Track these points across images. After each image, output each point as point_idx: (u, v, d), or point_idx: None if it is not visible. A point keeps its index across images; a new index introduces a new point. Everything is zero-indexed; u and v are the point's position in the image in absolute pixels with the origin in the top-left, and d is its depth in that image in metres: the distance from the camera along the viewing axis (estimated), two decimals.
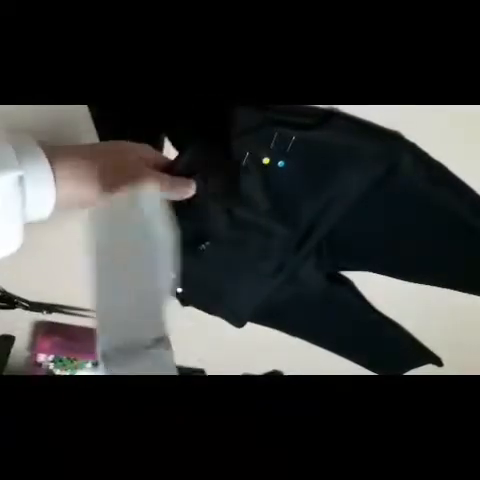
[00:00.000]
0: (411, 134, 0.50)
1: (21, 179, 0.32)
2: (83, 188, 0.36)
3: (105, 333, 0.33)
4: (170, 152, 0.48)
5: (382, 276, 0.61)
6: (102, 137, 0.49)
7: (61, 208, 0.36)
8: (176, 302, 0.59)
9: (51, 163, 0.34)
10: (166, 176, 0.40)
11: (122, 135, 0.42)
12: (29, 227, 0.36)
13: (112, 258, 0.35)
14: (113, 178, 0.37)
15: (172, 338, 0.40)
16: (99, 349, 0.33)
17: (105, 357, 0.33)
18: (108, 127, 0.48)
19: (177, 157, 0.41)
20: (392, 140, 0.49)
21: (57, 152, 0.35)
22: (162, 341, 0.33)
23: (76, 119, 0.50)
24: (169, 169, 0.41)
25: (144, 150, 0.41)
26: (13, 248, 0.35)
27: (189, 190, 0.41)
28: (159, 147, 0.48)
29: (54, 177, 0.34)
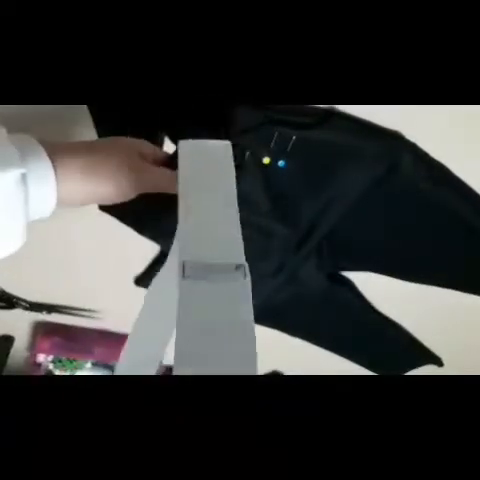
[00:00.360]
0: (411, 134, 0.50)
1: (24, 177, 0.33)
2: (84, 184, 0.37)
3: (187, 245, 0.32)
4: (169, 148, 0.48)
5: (382, 276, 0.61)
6: (101, 136, 0.49)
7: (63, 205, 0.36)
8: None
9: (52, 160, 0.35)
10: (166, 170, 0.41)
11: (122, 134, 0.42)
12: (29, 227, 0.36)
13: (199, 183, 0.36)
14: (114, 174, 0.38)
15: (172, 338, 0.40)
16: (180, 259, 0.31)
17: (184, 269, 0.30)
18: (108, 126, 0.48)
19: (176, 151, 0.41)
20: (392, 140, 0.49)
21: (57, 149, 0.36)
22: (240, 268, 0.31)
23: (76, 119, 0.50)
24: (168, 163, 0.41)
25: (143, 145, 0.41)
26: (16, 247, 0.35)
27: None
28: (158, 145, 0.48)
29: (55, 174, 0.35)
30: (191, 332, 0.30)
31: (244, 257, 0.32)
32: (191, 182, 0.36)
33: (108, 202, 0.40)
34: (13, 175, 0.32)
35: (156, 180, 0.40)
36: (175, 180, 0.39)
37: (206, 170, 0.37)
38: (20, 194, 0.33)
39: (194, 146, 0.38)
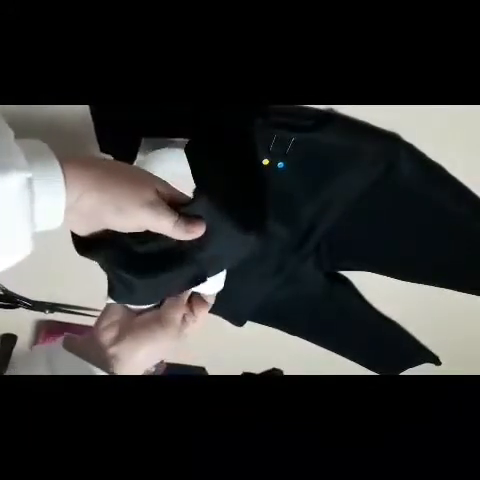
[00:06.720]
0: (408, 135, 0.50)
1: (30, 182, 0.31)
2: (93, 199, 0.35)
3: None
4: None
5: (382, 276, 0.61)
6: (100, 138, 0.49)
7: (69, 218, 0.35)
8: None
9: (63, 169, 0.33)
10: (174, 214, 0.38)
11: (121, 136, 0.42)
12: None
13: None
14: (124, 198, 0.36)
15: None
16: None
17: None
18: (107, 128, 0.48)
19: (193, 198, 0.40)
20: (390, 141, 0.49)
21: (71, 159, 0.34)
22: None
23: (77, 119, 0.50)
24: (182, 206, 0.39)
25: (161, 184, 0.39)
26: (21, 256, 0.34)
27: (198, 233, 0.39)
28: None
29: (65, 182, 0.33)
30: None
31: None
32: None
33: (108, 225, 0.38)
34: (17, 178, 0.30)
35: (162, 224, 0.38)
36: (183, 226, 0.38)
37: None
38: (25, 199, 0.31)
39: None
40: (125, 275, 0.39)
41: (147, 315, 0.43)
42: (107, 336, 0.42)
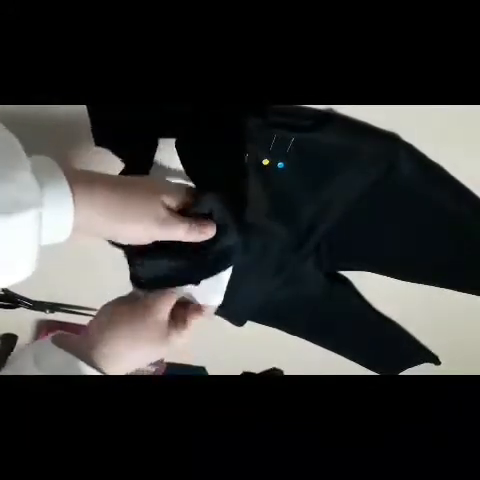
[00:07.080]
0: (410, 134, 0.50)
1: (41, 213, 0.32)
2: (102, 219, 0.36)
3: None
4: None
5: (382, 276, 0.61)
6: (97, 138, 0.49)
7: (77, 236, 0.36)
8: None
9: (72, 191, 0.33)
10: (186, 221, 0.39)
11: (118, 137, 0.42)
12: None
13: None
14: (131, 215, 0.37)
15: None
16: None
17: None
18: (104, 129, 0.48)
19: (199, 196, 0.41)
20: (389, 141, 0.49)
21: (80, 180, 0.34)
22: None
23: (76, 119, 0.50)
24: (191, 207, 0.40)
25: (168, 191, 0.39)
26: (28, 273, 0.34)
27: (209, 233, 0.40)
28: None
29: (74, 204, 0.33)
30: None
31: None
32: None
33: (120, 241, 0.39)
34: (32, 213, 0.31)
35: (175, 234, 0.39)
36: (195, 230, 0.39)
37: None
38: (35, 228, 0.32)
39: None
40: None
41: (136, 310, 0.43)
42: (94, 332, 0.42)
